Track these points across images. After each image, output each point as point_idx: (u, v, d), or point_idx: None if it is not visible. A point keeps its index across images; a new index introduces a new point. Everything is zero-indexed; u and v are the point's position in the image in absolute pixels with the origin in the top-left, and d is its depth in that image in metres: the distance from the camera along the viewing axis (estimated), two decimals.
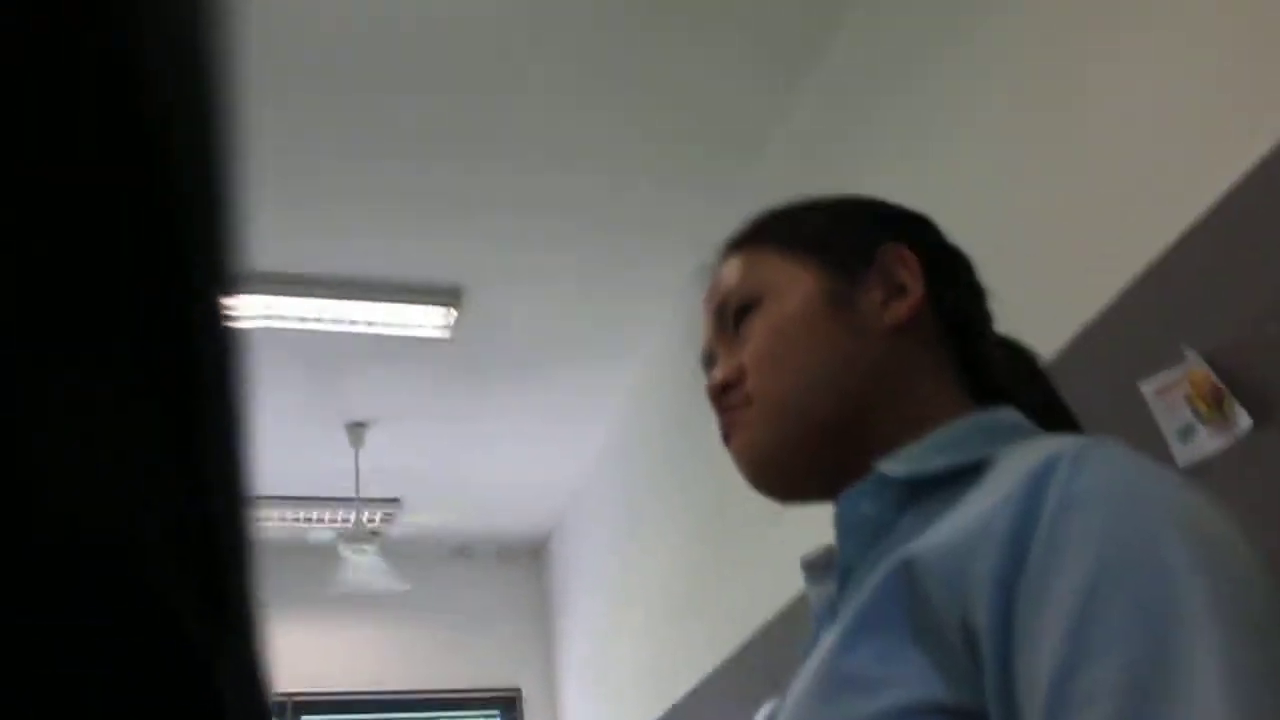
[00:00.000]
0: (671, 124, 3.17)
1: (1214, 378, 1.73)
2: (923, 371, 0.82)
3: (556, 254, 3.66)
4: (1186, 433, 1.75)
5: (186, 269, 0.23)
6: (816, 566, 0.83)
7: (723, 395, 0.85)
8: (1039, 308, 2.09)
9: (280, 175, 3.17)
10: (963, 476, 0.70)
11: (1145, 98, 1.97)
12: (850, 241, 0.87)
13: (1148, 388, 1.82)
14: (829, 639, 0.66)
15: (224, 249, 0.24)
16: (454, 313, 3.79)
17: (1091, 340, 2.00)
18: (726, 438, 0.85)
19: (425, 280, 3.72)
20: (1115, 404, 1.81)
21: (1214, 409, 1.74)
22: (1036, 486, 0.59)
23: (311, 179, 3.22)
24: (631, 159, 3.28)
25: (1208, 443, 1.73)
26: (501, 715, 5.36)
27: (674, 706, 3.92)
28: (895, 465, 0.74)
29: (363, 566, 4.38)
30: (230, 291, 0.24)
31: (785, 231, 0.89)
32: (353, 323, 3.78)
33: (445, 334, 3.90)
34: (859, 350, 0.82)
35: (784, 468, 0.82)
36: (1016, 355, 0.95)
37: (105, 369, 0.22)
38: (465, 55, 2.89)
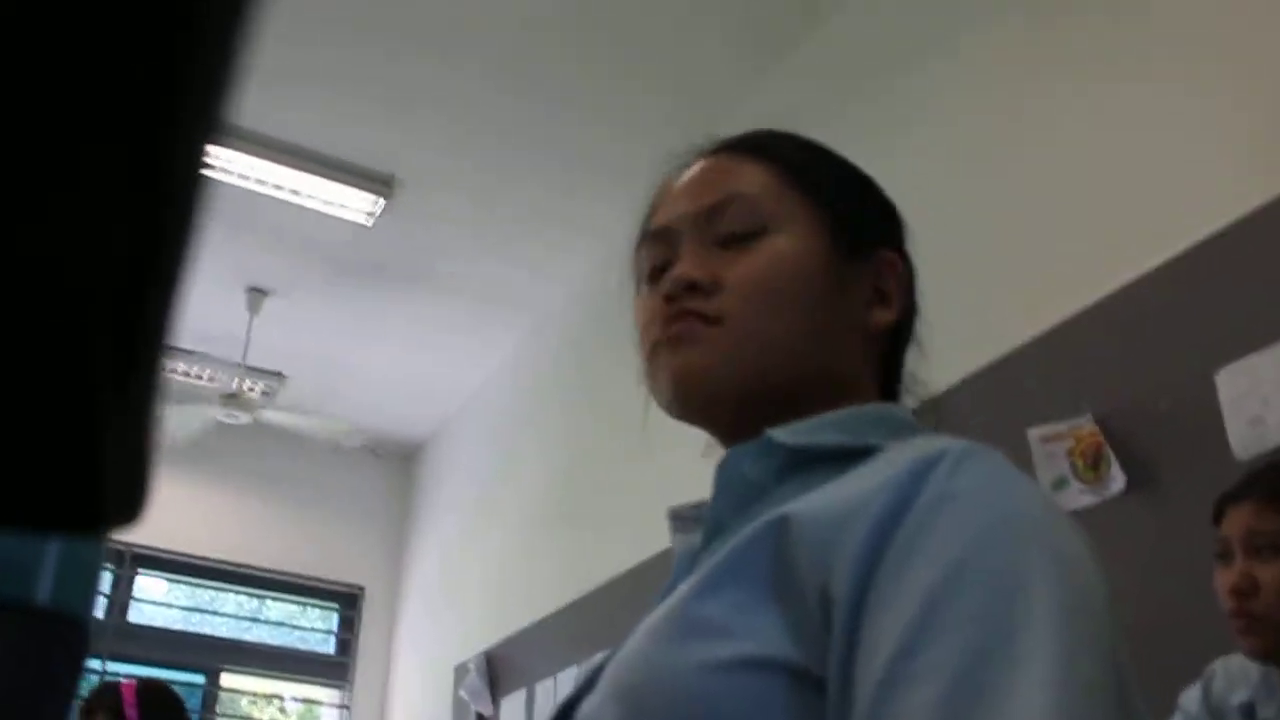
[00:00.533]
0: (639, 73, 3.16)
1: (1099, 437, 1.81)
2: (863, 372, 0.82)
3: (495, 170, 3.63)
4: (1059, 484, 1.83)
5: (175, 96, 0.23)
6: (684, 519, 0.82)
7: (684, 293, 0.78)
8: (955, 333, 2.15)
9: None
10: (848, 458, 0.70)
11: (1095, 156, 2.03)
12: (861, 225, 0.84)
13: (1034, 433, 1.89)
14: (684, 587, 0.65)
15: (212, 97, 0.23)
16: (383, 202, 3.74)
17: (993, 377, 2.06)
18: (671, 342, 0.77)
19: (362, 163, 3.65)
20: (1000, 441, 1.88)
21: (1089, 467, 1.82)
22: (917, 476, 0.60)
23: (268, 37, 3.13)
24: (589, 95, 3.26)
25: (1077, 497, 1.81)
26: (340, 610, 5.36)
27: (510, 636, 3.97)
28: (786, 434, 0.73)
29: (183, 420, 4.30)
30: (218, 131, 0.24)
31: (807, 171, 0.84)
32: (277, 188, 3.70)
33: (368, 221, 3.84)
34: (835, 335, 0.79)
35: (719, 402, 0.78)
36: None
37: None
38: None
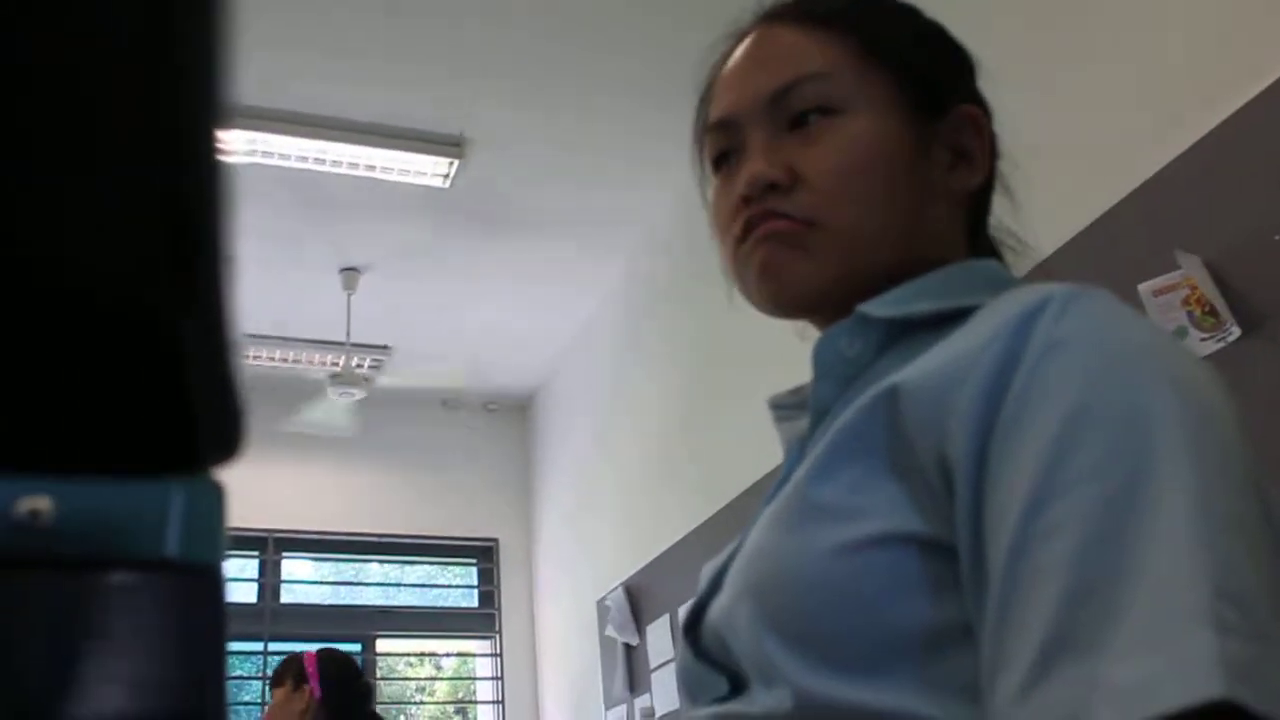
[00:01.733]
0: (693, 5, 3.10)
1: (1208, 285, 1.75)
2: (952, 242, 0.78)
3: (564, 114, 3.61)
4: (1179, 334, 1.78)
5: (177, 95, 0.23)
6: (785, 406, 0.80)
7: (763, 194, 0.73)
8: (1045, 201, 2.09)
9: (291, 14, 3.10)
10: (947, 322, 0.67)
11: (1159, 12, 1.94)
12: (940, 83, 0.78)
13: (1145, 287, 1.84)
14: (800, 473, 0.64)
15: (216, 78, 0.24)
16: (456, 163, 3.76)
17: (1094, 238, 2.01)
18: (761, 248, 0.73)
19: (430, 128, 3.67)
20: None
21: (1208, 314, 1.76)
22: (1024, 325, 0.57)
23: (320, 20, 3.16)
24: (650, 32, 3.22)
25: (1198, 346, 1.76)
26: (478, 564, 5.50)
27: (647, 565, 4.03)
28: (878, 307, 0.70)
29: (324, 408, 4.42)
30: (222, 121, 0.24)
31: (876, 34, 0.77)
32: (353, 166, 3.74)
33: (445, 184, 3.87)
34: (924, 210, 0.75)
35: (817, 305, 0.75)
36: None
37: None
38: None
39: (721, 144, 0.80)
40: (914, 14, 0.82)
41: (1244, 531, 0.48)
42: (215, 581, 0.25)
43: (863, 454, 0.60)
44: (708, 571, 0.76)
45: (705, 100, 0.85)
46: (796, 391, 0.79)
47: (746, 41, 0.81)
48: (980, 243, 0.82)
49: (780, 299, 0.75)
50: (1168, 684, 0.42)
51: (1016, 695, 0.47)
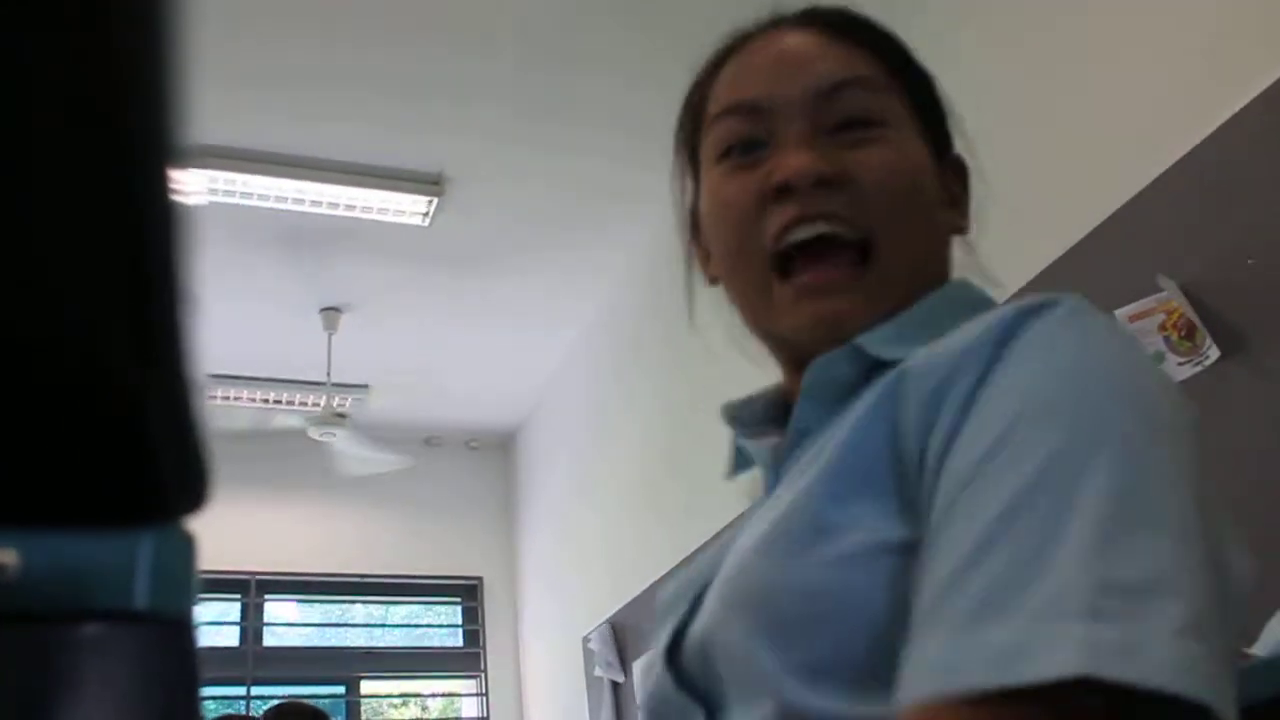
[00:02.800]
0: (677, 36, 3.12)
1: (1187, 308, 1.76)
2: (945, 275, 0.78)
3: (543, 150, 3.63)
4: (1156, 360, 1.79)
5: (128, 137, 0.23)
6: (748, 422, 0.77)
7: (812, 189, 0.70)
8: (1022, 230, 2.11)
9: (266, 54, 3.11)
10: None
11: (1132, 37, 1.97)
12: (941, 128, 0.79)
13: (1121, 313, 1.85)
14: (795, 493, 0.61)
15: (170, 120, 0.23)
16: (435, 201, 3.76)
17: (1071, 265, 2.02)
18: (813, 289, 0.70)
19: (408, 166, 3.68)
20: None
21: (1184, 339, 1.77)
22: (1013, 328, 0.57)
23: (299, 59, 3.16)
24: (632, 63, 3.24)
25: (1175, 371, 1.77)
26: (462, 602, 5.46)
27: (631, 601, 4.01)
28: (877, 346, 0.68)
29: (352, 453, 4.41)
30: (177, 163, 0.24)
31: (905, 65, 0.77)
32: (333, 205, 3.75)
33: (425, 222, 3.87)
34: (938, 238, 0.76)
35: (852, 335, 0.70)
36: None
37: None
38: None
39: (742, 131, 0.75)
40: (917, 63, 0.82)
41: (1164, 530, 0.48)
42: (186, 631, 0.25)
43: (868, 471, 0.59)
44: (674, 595, 0.74)
45: (702, 89, 0.81)
46: (751, 403, 0.77)
47: (776, 36, 0.77)
48: None
49: (824, 338, 0.71)
50: (1037, 656, 0.43)
51: (931, 645, 0.49)
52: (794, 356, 0.75)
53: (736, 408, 0.79)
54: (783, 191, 0.70)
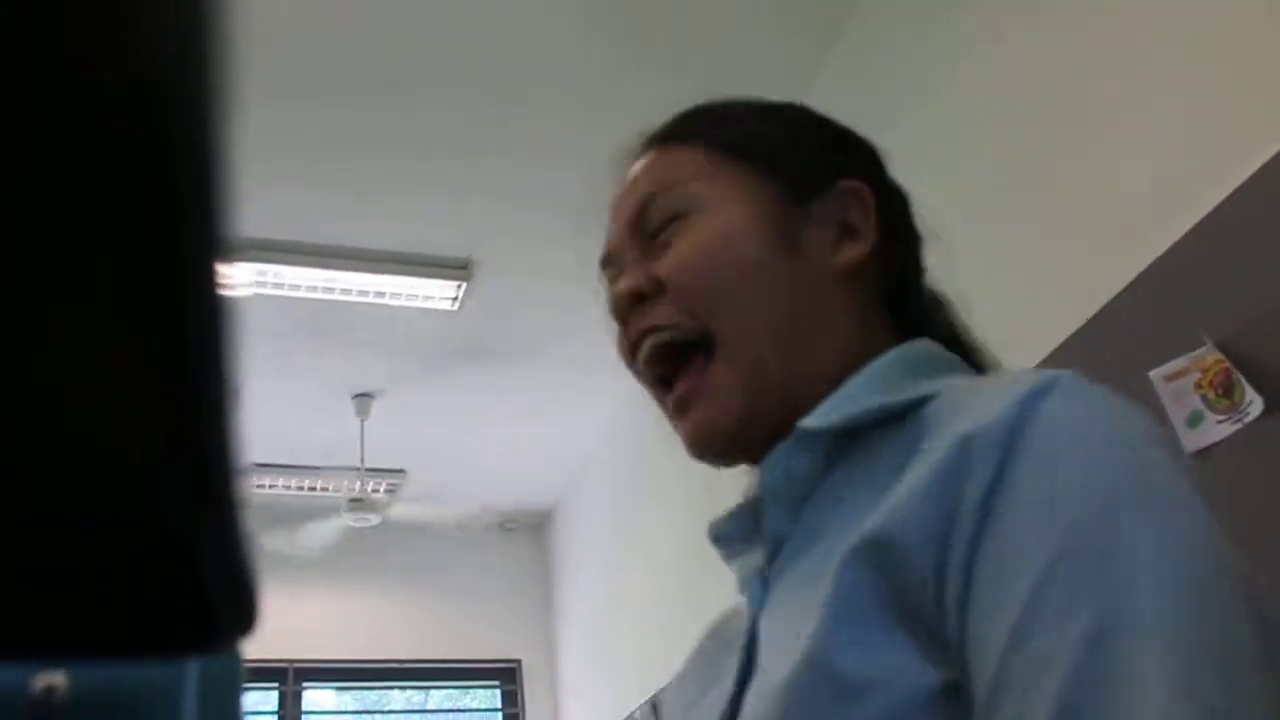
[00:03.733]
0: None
1: (1226, 363, 1.74)
2: (856, 321, 0.74)
3: (570, 233, 3.66)
4: (1195, 420, 1.77)
5: (177, 229, 0.22)
6: (730, 539, 0.75)
7: (635, 309, 0.73)
8: (1054, 291, 2.10)
9: (296, 148, 3.17)
10: (894, 419, 0.64)
11: (1164, 85, 1.98)
12: (806, 165, 0.77)
13: (1157, 374, 1.83)
14: (802, 638, 0.58)
15: (217, 213, 0.23)
16: (464, 285, 3.80)
17: (1103, 326, 2.01)
18: (678, 404, 0.73)
19: (435, 252, 3.72)
20: (1122, 389, 1.82)
21: (1222, 396, 1.75)
22: (1008, 436, 0.54)
23: (327, 152, 3.23)
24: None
25: (1216, 429, 1.74)
26: (501, 686, 5.40)
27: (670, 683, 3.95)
28: (819, 419, 0.66)
29: (314, 532, 4.39)
30: (224, 256, 0.24)
31: (728, 135, 0.77)
32: (362, 293, 3.79)
33: (454, 306, 3.91)
34: (811, 295, 0.72)
35: (740, 439, 0.71)
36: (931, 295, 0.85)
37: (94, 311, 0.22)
38: (489, 40, 2.90)
39: (612, 280, 0.79)
40: (781, 111, 0.82)
41: (1227, 658, 0.46)
42: None
43: (865, 608, 0.56)
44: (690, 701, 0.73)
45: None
46: (733, 517, 0.74)
47: (625, 176, 0.81)
48: (911, 317, 0.78)
49: (706, 452, 0.73)
50: None
51: None
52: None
53: (720, 525, 0.76)
54: (621, 321, 0.74)
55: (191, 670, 0.23)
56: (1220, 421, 1.75)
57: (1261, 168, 1.74)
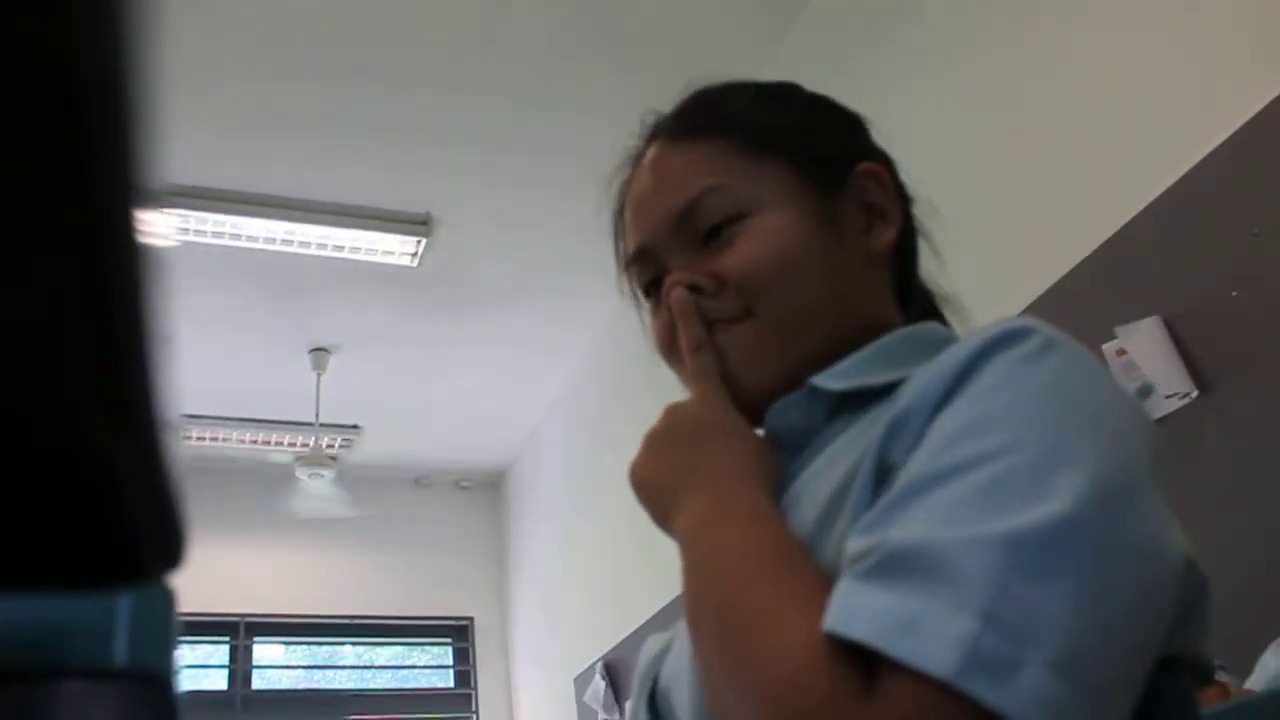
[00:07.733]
0: (661, 76, 3.15)
1: (1169, 342, 1.77)
2: (883, 300, 0.79)
3: (530, 189, 3.64)
4: (1143, 393, 1.80)
5: (91, 173, 0.22)
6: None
7: (691, 300, 0.76)
8: (1010, 263, 2.12)
9: (255, 98, 3.13)
10: (895, 387, 0.67)
11: (1117, 68, 1.99)
12: (829, 153, 0.80)
13: (1108, 347, 1.86)
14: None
15: (133, 159, 0.23)
16: (423, 241, 3.77)
17: (1056, 298, 2.03)
18: (717, 349, 0.76)
19: (396, 208, 3.69)
20: None
21: (1167, 372, 1.78)
22: (969, 364, 0.58)
23: (288, 104, 3.18)
24: (617, 103, 3.26)
25: (1164, 404, 1.77)
26: (453, 643, 5.42)
27: (623, 640, 3.98)
28: (831, 380, 0.71)
29: (316, 493, 4.38)
30: (143, 202, 0.23)
31: (751, 128, 0.79)
32: (321, 246, 3.75)
33: (413, 262, 3.88)
34: (846, 280, 0.76)
35: (774, 394, 0.74)
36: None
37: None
38: (444, 13, 2.86)
39: (648, 273, 0.82)
40: (789, 94, 0.85)
41: (1091, 572, 0.49)
42: (166, 686, 0.25)
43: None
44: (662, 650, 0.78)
45: (619, 230, 0.87)
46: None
47: (643, 165, 0.83)
48: (913, 295, 0.84)
49: (744, 397, 0.76)
50: (923, 640, 0.46)
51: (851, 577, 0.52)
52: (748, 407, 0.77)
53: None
54: (679, 316, 0.77)
55: (123, 605, 0.23)
56: (1168, 397, 1.78)
57: (1214, 149, 1.76)
